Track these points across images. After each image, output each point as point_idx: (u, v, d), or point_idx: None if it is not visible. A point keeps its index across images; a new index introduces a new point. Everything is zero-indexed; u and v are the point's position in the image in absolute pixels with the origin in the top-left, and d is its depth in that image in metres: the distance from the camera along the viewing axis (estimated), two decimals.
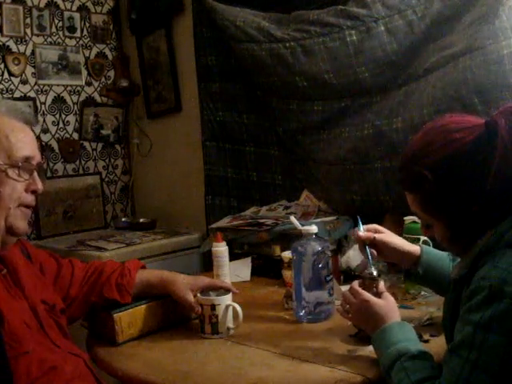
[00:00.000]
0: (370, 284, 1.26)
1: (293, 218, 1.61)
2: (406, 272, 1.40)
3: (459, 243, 1.08)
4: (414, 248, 1.36)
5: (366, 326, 1.22)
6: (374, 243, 1.35)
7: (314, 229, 1.49)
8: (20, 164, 1.18)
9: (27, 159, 1.20)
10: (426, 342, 1.27)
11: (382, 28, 1.87)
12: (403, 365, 1.03)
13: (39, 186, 1.23)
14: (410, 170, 1.08)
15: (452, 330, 1.00)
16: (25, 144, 1.21)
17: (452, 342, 0.96)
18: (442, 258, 1.34)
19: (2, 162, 1.17)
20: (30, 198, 1.22)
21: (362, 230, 1.37)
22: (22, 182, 1.19)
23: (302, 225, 1.55)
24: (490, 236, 1.00)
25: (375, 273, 1.28)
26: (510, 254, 0.94)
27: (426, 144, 1.06)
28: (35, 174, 1.23)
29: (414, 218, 1.71)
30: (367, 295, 1.21)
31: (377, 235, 1.36)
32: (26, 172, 1.20)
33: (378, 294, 1.23)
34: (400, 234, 1.73)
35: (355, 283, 1.27)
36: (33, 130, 1.28)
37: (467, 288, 0.98)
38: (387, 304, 1.19)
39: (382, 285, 1.26)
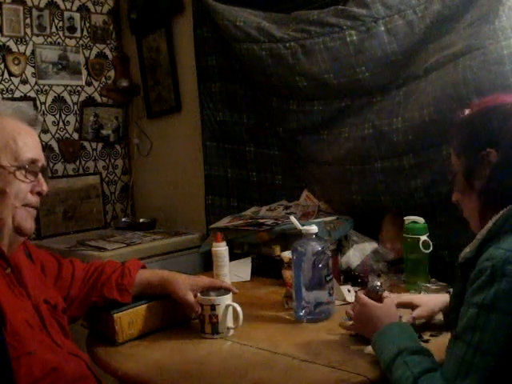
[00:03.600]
0: (375, 295, 1.29)
1: (293, 218, 1.62)
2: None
3: (475, 199, 1.08)
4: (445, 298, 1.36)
5: (365, 329, 1.24)
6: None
7: (313, 229, 1.49)
8: (26, 166, 1.21)
9: (33, 161, 1.23)
10: (426, 341, 1.27)
11: (382, 28, 1.87)
12: (404, 359, 1.04)
13: (44, 187, 1.25)
14: (465, 133, 1.11)
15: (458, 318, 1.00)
16: (31, 147, 1.23)
17: (456, 328, 0.97)
18: None
19: (10, 164, 1.19)
20: (34, 199, 1.24)
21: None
22: (28, 183, 1.22)
23: (302, 225, 1.55)
24: (495, 222, 1.01)
25: (378, 283, 1.31)
26: None
27: (480, 102, 1.12)
28: (40, 175, 1.25)
29: (414, 217, 1.71)
30: (367, 299, 1.24)
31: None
32: (32, 174, 1.23)
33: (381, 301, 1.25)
34: (400, 234, 1.74)
35: (360, 292, 1.30)
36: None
37: (473, 272, 0.98)
38: (386, 307, 1.23)
39: (386, 293, 1.29)
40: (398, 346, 1.07)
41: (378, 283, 1.31)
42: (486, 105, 1.11)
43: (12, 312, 1.13)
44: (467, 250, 1.08)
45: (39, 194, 1.25)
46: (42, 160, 1.26)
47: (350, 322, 1.34)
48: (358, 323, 1.28)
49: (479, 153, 1.06)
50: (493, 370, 0.89)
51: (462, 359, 0.92)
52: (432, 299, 1.39)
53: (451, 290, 1.30)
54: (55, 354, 1.17)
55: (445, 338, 1.19)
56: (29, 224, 1.23)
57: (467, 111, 1.13)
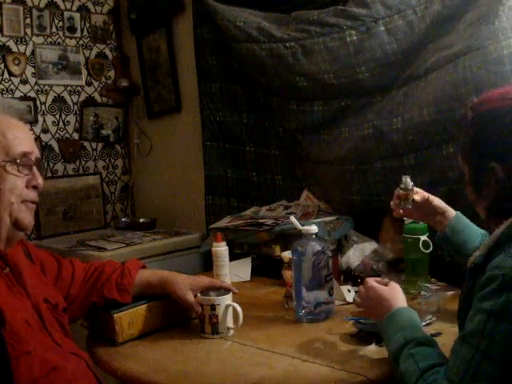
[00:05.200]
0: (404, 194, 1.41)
1: (293, 218, 1.62)
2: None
3: (480, 202, 1.09)
4: (451, 212, 1.42)
5: (372, 311, 1.24)
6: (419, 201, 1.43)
7: (313, 229, 1.49)
8: (18, 160, 1.19)
9: (25, 154, 1.21)
10: None
11: (382, 28, 1.87)
12: (410, 351, 1.04)
13: (39, 180, 1.24)
14: (464, 114, 1.11)
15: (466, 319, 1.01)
16: (22, 140, 1.22)
17: (463, 330, 0.97)
18: (470, 227, 1.40)
19: (0, 159, 1.17)
20: (32, 194, 1.23)
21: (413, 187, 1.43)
22: (22, 177, 1.20)
23: (302, 225, 1.55)
24: (507, 226, 1.01)
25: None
26: None
27: (486, 96, 1.09)
28: (35, 169, 1.24)
29: None
30: (374, 283, 1.25)
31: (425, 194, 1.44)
32: (25, 167, 1.21)
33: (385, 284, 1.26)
34: (400, 234, 1.74)
35: (369, 279, 1.29)
36: (30, 127, 1.30)
37: (482, 277, 0.98)
38: (393, 290, 1.23)
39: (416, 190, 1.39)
40: (404, 336, 1.08)
41: (410, 182, 1.41)
42: (496, 106, 1.05)
43: (11, 312, 1.12)
44: (477, 253, 1.08)
45: (35, 187, 1.24)
46: (35, 153, 1.24)
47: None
48: (366, 306, 1.27)
49: (484, 164, 1.03)
50: (498, 379, 0.88)
51: (469, 363, 0.91)
52: (439, 203, 1.44)
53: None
54: (55, 354, 1.17)
55: (444, 338, 1.19)
56: (28, 219, 1.22)
57: (470, 112, 1.09)
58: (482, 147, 1.05)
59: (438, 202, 1.43)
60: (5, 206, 1.18)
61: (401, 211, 1.44)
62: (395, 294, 1.22)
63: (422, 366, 1.00)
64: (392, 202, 1.46)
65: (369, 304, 1.24)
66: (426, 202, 1.42)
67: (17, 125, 1.24)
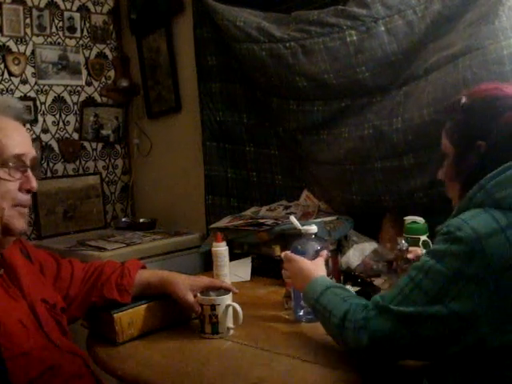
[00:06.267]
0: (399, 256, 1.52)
1: (293, 218, 1.61)
2: None
3: (459, 182, 1.18)
4: None
5: (297, 282, 1.38)
6: None
7: (313, 229, 1.49)
8: (10, 164, 1.17)
9: (18, 157, 1.18)
10: None
11: (382, 28, 1.87)
12: (334, 291, 1.21)
13: (33, 184, 1.21)
14: (456, 100, 1.19)
15: None
16: (16, 142, 1.19)
17: None
18: None
19: None
20: (25, 198, 1.20)
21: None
22: (14, 181, 1.18)
23: (302, 225, 1.55)
24: (464, 199, 1.11)
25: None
26: (474, 211, 1.05)
27: (482, 86, 1.20)
28: (29, 172, 1.21)
29: (414, 217, 1.71)
30: (294, 255, 1.41)
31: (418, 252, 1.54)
32: (18, 171, 1.19)
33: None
34: (400, 234, 1.74)
35: (287, 252, 1.45)
36: (30, 127, 1.27)
37: None
38: (315, 262, 1.38)
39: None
40: (326, 285, 1.24)
41: (405, 244, 1.52)
42: (489, 93, 1.15)
43: (5, 313, 1.12)
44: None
45: (28, 191, 1.21)
46: (30, 154, 1.22)
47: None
48: (294, 277, 1.40)
49: (472, 144, 1.13)
50: (421, 310, 1.01)
51: (402, 289, 1.05)
52: None
53: None
54: (51, 353, 1.17)
55: None
56: (19, 224, 1.20)
57: (464, 98, 1.17)
58: (472, 129, 1.15)
59: None
60: None
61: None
62: (317, 266, 1.36)
63: (345, 294, 1.18)
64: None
65: (296, 277, 1.38)
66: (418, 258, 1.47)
67: (12, 126, 1.20)
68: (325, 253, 1.44)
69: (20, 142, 1.21)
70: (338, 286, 1.25)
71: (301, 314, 1.48)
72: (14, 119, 1.22)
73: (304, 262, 1.38)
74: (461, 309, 0.98)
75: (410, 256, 1.49)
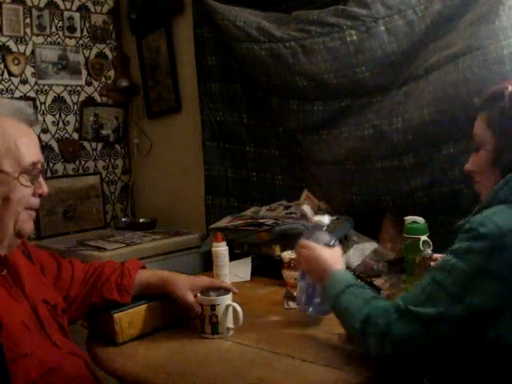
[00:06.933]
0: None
1: (306, 207, 1.58)
2: None
3: (497, 174, 1.13)
4: None
5: (313, 271, 1.35)
6: None
7: (326, 220, 1.46)
8: (30, 171, 1.20)
9: (34, 164, 1.21)
10: None
11: (382, 28, 1.87)
12: (354, 291, 1.19)
13: (45, 188, 1.25)
14: (499, 89, 1.15)
15: None
16: (31, 149, 1.21)
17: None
18: None
19: (13, 170, 1.17)
20: (36, 202, 1.24)
21: None
22: (31, 187, 1.21)
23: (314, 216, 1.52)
24: (487, 196, 1.10)
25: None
26: (497, 208, 1.04)
27: None
28: (40, 177, 1.24)
29: (414, 217, 1.71)
30: (317, 245, 1.36)
31: None
32: (35, 178, 1.22)
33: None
34: (400, 234, 1.74)
35: (303, 240, 1.41)
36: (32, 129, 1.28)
37: None
38: (334, 253, 1.35)
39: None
40: (346, 282, 1.21)
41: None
42: None
43: (8, 314, 1.12)
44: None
45: (40, 195, 1.24)
46: (41, 161, 1.25)
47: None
48: (310, 266, 1.36)
49: None
50: (443, 309, 1.00)
51: (423, 289, 1.05)
52: None
53: None
54: (53, 355, 1.17)
55: None
56: (29, 227, 1.23)
57: (511, 87, 1.12)
58: None
59: None
60: (11, 215, 1.18)
61: None
62: (336, 256, 1.34)
63: (367, 296, 1.15)
64: None
65: (312, 266, 1.34)
66: None
67: (26, 132, 1.22)
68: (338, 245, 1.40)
69: (34, 149, 1.23)
70: (360, 285, 1.22)
71: (311, 308, 1.43)
72: (27, 124, 1.23)
73: (324, 250, 1.34)
74: (482, 305, 0.98)
75: (434, 264, 1.45)
